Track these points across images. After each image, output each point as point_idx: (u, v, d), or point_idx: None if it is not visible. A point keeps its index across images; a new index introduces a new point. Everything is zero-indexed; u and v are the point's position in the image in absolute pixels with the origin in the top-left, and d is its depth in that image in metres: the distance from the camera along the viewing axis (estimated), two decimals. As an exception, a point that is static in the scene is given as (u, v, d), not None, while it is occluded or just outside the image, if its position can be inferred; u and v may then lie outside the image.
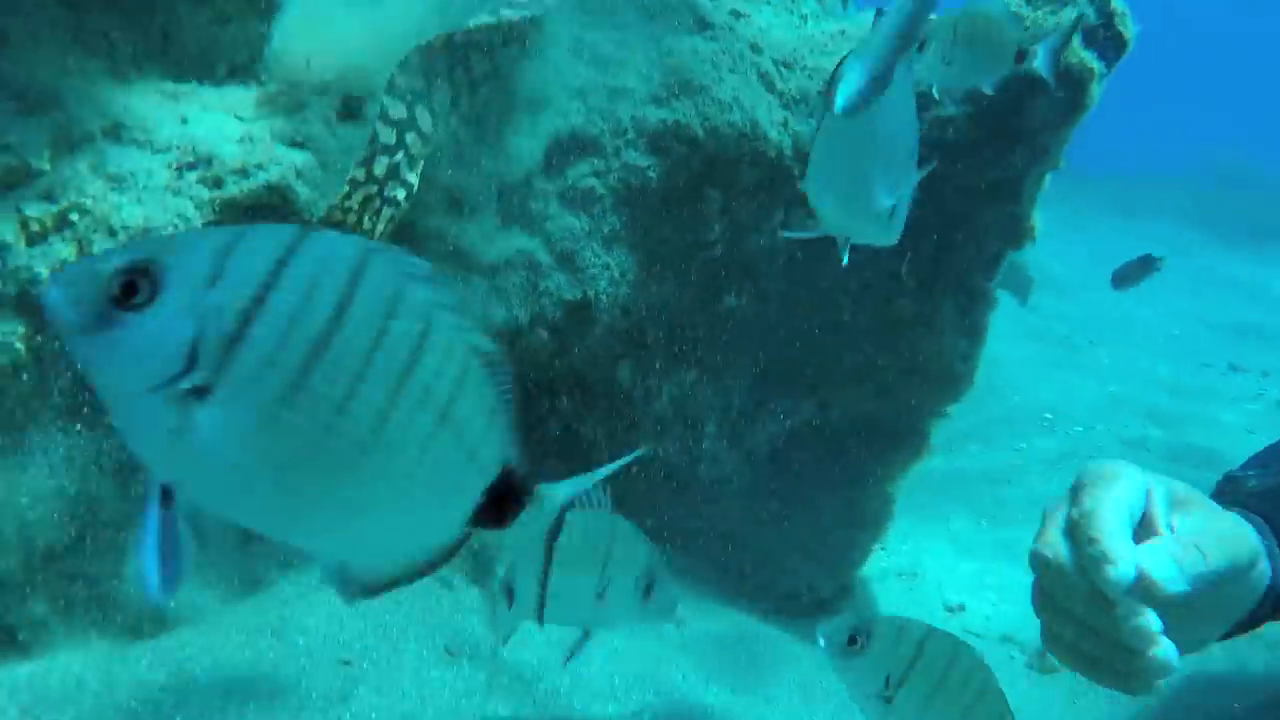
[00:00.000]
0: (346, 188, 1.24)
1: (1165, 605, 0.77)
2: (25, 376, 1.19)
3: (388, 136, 1.27)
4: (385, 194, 1.24)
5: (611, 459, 1.94)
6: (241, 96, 1.41)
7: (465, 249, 1.48)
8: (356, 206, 1.23)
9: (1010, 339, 3.90)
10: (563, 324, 1.61)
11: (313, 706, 1.38)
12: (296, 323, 0.58)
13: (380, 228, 1.23)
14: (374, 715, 1.39)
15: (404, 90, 1.30)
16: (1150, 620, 0.76)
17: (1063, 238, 5.62)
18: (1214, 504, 0.86)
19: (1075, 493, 0.83)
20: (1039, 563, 0.83)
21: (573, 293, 1.61)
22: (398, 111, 1.29)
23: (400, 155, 1.26)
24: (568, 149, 1.61)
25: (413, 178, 1.28)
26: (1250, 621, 0.90)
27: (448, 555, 0.70)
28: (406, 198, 1.27)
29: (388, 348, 0.61)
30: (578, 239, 1.61)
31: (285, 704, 1.38)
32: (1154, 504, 0.83)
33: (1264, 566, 0.85)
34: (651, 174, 1.67)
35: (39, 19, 1.33)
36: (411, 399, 0.61)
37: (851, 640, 0.99)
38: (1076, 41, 1.90)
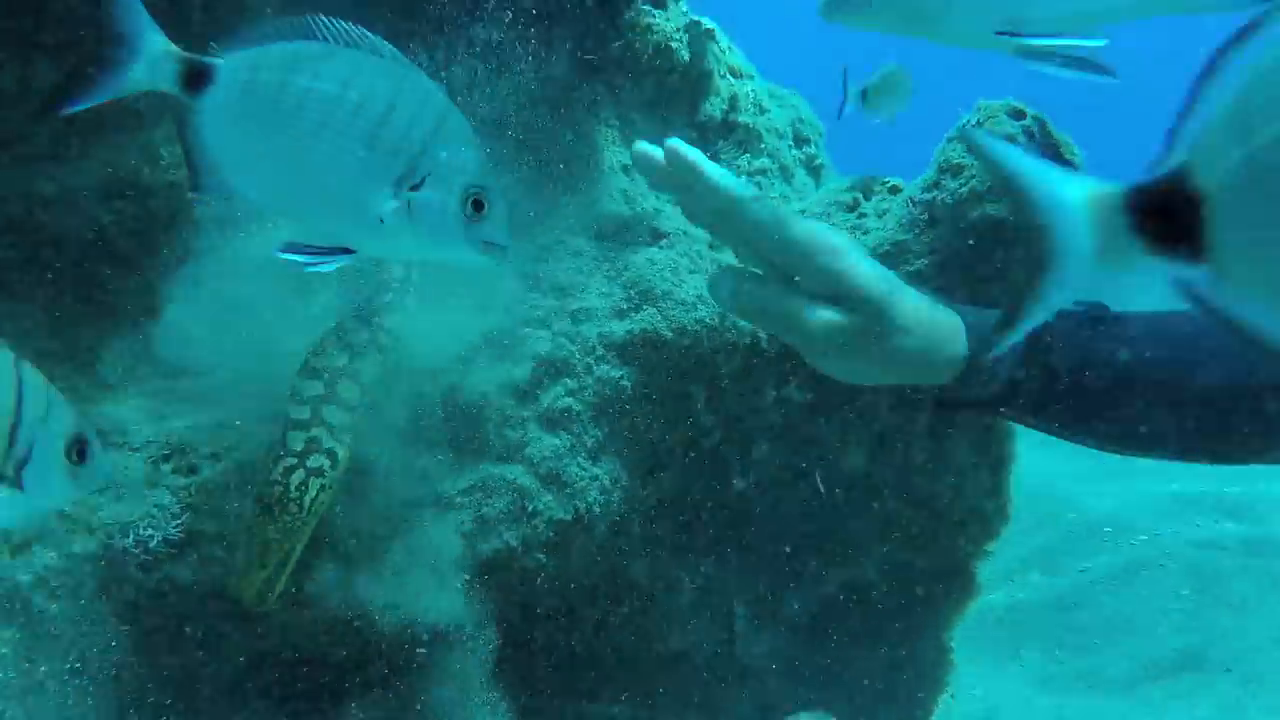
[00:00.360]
0: (272, 463, 1.33)
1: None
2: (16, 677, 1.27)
3: (300, 413, 1.37)
4: (308, 465, 1.33)
5: (649, 658, 1.92)
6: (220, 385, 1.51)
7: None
8: (280, 477, 1.32)
9: (1062, 456, 3.80)
10: (558, 542, 1.64)
11: None
12: None
13: (311, 495, 1.32)
14: None
15: (319, 369, 1.41)
16: None
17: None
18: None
19: None
20: None
21: (564, 511, 1.64)
22: (312, 389, 1.39)
23: (318, 429, 1.35)
24: (540, 375, 1.68)
25: (337, 446, 1.37)
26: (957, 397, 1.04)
27: None
28: (333, 466, 1.36)
29: None
30: (561, 457, 1.66)
31: None
32: None
33: (960, 342, 1.00)
34: (626, 383, 1.73)
35: (31, 350, 1.45)
36: None
37: None
38: (1025, 179, 1.94)
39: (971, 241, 1.91)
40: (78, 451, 0.91)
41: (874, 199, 2.13)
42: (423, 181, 0.92)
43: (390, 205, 0.92)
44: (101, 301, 1.53)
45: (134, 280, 1.54)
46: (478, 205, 0.94)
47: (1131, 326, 1.02)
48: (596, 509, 1.68)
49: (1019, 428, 2.32)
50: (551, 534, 1.63)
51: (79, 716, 1.41)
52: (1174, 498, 3.70)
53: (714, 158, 2.40)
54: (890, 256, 1.95)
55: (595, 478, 1.69)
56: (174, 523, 1.39)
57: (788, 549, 2.07)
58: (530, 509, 1.61)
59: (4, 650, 1.34)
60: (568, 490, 1.65)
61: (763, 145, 2.39)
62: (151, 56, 0.85)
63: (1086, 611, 2.90)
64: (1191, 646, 2.60)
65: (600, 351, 1.72)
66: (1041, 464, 4.37)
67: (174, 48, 0.88)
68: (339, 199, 0.93)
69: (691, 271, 1.83)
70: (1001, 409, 1.05)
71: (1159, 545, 3.24)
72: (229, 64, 0.90)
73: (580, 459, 1.68)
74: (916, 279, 2.03)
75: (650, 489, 1.83)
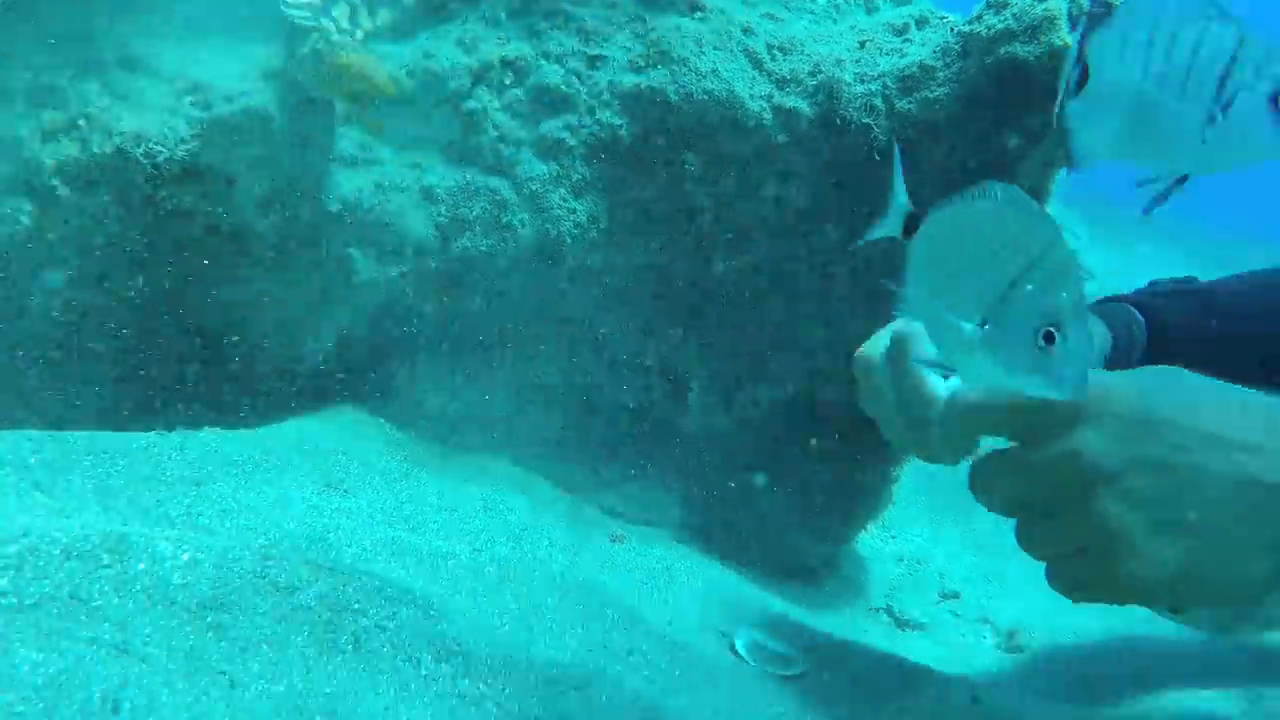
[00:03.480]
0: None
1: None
2: (31, 246, 1.46)
3: None
4: None
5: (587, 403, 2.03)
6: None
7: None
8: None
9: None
10: (528, 263, 1.77)
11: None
12: None
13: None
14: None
15: None
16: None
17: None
18: None
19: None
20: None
21: (536, 232, 1.76)
22: None
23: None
24: (541, 104, 1.78)
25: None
26: None
27: None
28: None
29: None
30: (545, 183, 1.77)
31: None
32: None
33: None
34: (624, 134, 1.82)
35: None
36: None
37: None
38: (1064, 25, 1.95)
39: (993, 80, 1.94)
40: None
41: (926, 29, 2.16)
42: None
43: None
44: None
45: None
46: (1049, 338, 0.94)
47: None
48: (569, 239, 1.80)
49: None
50: (520, 250, 1.76)
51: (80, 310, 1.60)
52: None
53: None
54: (914, 80, 1.99)
55: (574, 211, 1.80)
56: (182, 148, 1.55)
57: (755, 342, 2.18)
58: (505, 221, 1.74)
59: (24, 220, 1.52)
60: (545, 215, 1.77)
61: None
62: (896, 211, 1.09)
63: (1050, 496, 2.97)
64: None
65: (606, 98, 1.81)
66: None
67: (904, 204, 1.09)
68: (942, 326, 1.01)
69: (715, 48, 1.89)
70: None
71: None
72: (933, 216, 1.05)
73: (564, 191, 1.79)
74: (932, 105, 2.07)
75: (628, 246, 1.93)
